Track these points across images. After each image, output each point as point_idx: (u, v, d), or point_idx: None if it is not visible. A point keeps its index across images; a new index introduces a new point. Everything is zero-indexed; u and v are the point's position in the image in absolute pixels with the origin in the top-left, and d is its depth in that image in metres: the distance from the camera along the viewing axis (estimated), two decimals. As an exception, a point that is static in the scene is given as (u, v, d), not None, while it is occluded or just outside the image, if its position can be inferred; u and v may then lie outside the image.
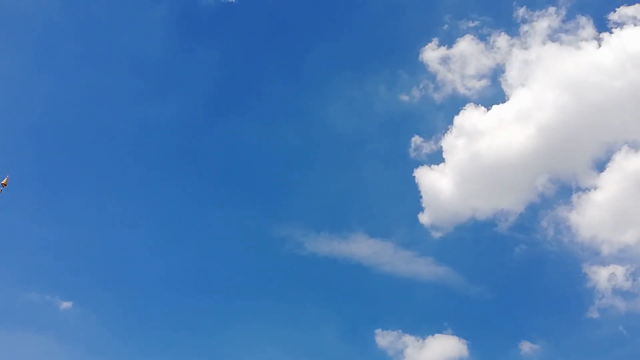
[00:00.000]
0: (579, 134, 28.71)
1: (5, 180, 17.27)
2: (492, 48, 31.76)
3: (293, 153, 32.07)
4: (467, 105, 30.88)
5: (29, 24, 31.81)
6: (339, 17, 34.09)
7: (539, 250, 28.27)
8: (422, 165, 30.57)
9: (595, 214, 27.37)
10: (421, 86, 31.92)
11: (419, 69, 32.17)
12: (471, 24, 32.26)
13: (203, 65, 33.31)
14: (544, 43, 31.05)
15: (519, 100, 30.19)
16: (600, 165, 28.17)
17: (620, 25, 29.98)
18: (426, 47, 32.24)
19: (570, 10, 31.30)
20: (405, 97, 32.13)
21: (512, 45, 31.52)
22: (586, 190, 28.09)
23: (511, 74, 30.91)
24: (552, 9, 31.40)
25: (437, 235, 28.90)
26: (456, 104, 31.28)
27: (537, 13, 31.62)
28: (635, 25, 29.75)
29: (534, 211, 28.45)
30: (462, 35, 32.11)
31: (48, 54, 31.82)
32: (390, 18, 34.05)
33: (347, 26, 34.03)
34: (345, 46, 33.81)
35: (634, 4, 30.12)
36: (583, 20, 30.93)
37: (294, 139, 32.32)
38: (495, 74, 31.37)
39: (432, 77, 31.84)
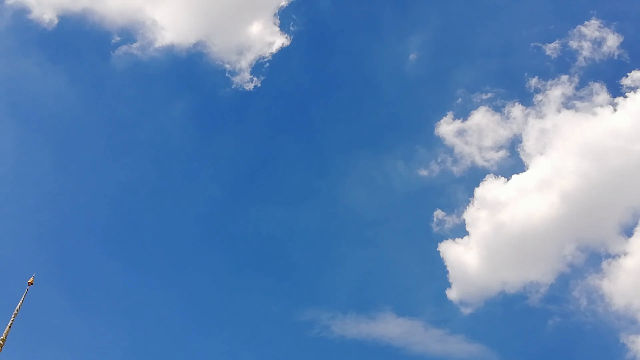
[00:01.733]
0: (603, 200, 28.44)
1: (31, 279, 17.52)
2: (508, 118, 31.98)
3: (315, 235, 32.01)
4: (487, 176, 30.84)
5: (51, 120, 32.91)
6: (353, 97, 34.79)
7: (573, 321, 27.34)
8: (446, 239, 30.21)
9: (627, 281, 26.64)
10: (439, 160, 32.00)
11: (436, 143, 32.39)
12: (485, 96, 32.66)
13: (224, 154, 33.93)
14: (559, 111, 31.25)
15: (539, 169, 30.15)
16: (628, 231, 27.68)
17: (633, 89, 30.25)
18: (441, 121, 32.61)
19: (582, 78, 31.64)
20: (424, 172, 32.16)
21: (527, 114, 31.72)
22: (616, 256, 27.47)
23: (529, 143, 30.96)
24: (564, 77, 31.78)
25: (466, 311, 28.14)
26: (476, 175, 31.22)
27: (549, 82, 31.98)
28: (648, 87, 29.97)
29: (564, 281, 27.77)
30: (476, 107, 32.48)
31: (71, 151, 32.58)
32: (403, 94, 34.78)
33: (361, 106, 34.70)
34: (361, 125, 34.35)
35: (645, 67, 30.45)
36: (596, 86, 31.20)
37: (315, 221, 32.33)
38: (513, 144, 31.40)
39: (450, 150, 31.95)
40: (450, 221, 30.73)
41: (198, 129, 34.49)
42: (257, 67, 33.80)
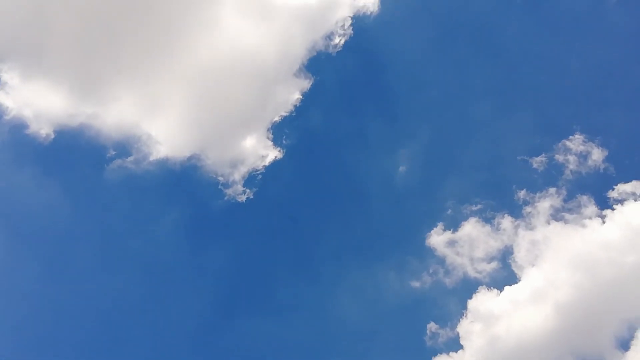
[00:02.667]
0: (598, 312, 28.10)
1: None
2: (498, 230, 32.18)
3: (304, 348, 31.07)
4: (480, 288, 30.63)
5: (43, 232, 33.01)
6: (344, 209, 35.07)
7: None
8: (440, 353, 29.45)
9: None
10: (431, 271, 31.86)
11: (427, 254, 32.35)
12: (474, 208, 32.99)
13: (214, 265, 33.72)
14: (548, 223, 31.54)
15: (531, 280, 29.99)
16: (625, 344, 27.22)
17: (620, 201, 30.74)
18: (432, 232, 32.78)
19: (570, 191, 32.17)
20: (416, 283, 31.89)
21: (517, 226, 31.98)
22: (614, 371, 26.74)
23: (520, 255, 31.01)
24: (552, 190, 32.28)
25: None
26: (468, 287, 30.97)
27: (537, 194, 32.45)
28: (635, 200, 30.51)
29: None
30: (466, 218, 32.78)
31: (62, 263, 32.44)
32: (394, 205, 35.02)
33: (352, 216, 34.87)
34: (351, 236, 34.35)
35: (630, 181, 31.08)
36: (584, 199, 31.66)
37: (304, 333, 31.57)
38: (504, 255, 31.41)
39: (441, 261, 31.91)
40: (444, 334, 30.18)
41: (189, 240, 34.51)
42: (250, 180, 34.55)
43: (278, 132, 35.88)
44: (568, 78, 35.24)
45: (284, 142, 35.77)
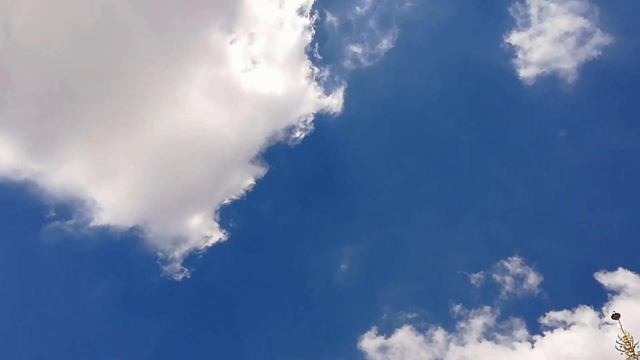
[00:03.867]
0: None
1: None
2: (430, 341, 32.01)
3: None
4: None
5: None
6: (281, 300, 34.73)
7: None
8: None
9: None
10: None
11: (357, 357, 31.81)
12: (409, 316, 32.94)
13: (142, 340, 32.60)
14: (479, 341, 31.56)
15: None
16: None
17: (550, 329, 31.04)
18: (365, 335, 32.41)
19: (504, 311, 32.45)
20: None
21: (450, 340, 31.90)
22: None
23: (449, 370, 30.77)
24: (487, 308, 32.52)
25: None
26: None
27: (472, 311, 32.65)
28: (565, 329, 30.88)
29: None
30: (400, 325, 32.62)
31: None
32: (330, 303, 34.77)
33: (288, 309, 34.48)
34: (284, 329, 33.75)
35: (562, 309, 31.61)
36: (516, 321, 31.92)
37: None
38: (434, 369, 31.12)
39: (371, 366, 31.37)
40: None
41: (120, 313, 33.44)
42: (190, 259, 34.08)
43: (226, 214, 35.86)
44: (513, 202, 36.38)
45: (230, 225, 35.67)
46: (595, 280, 31.28)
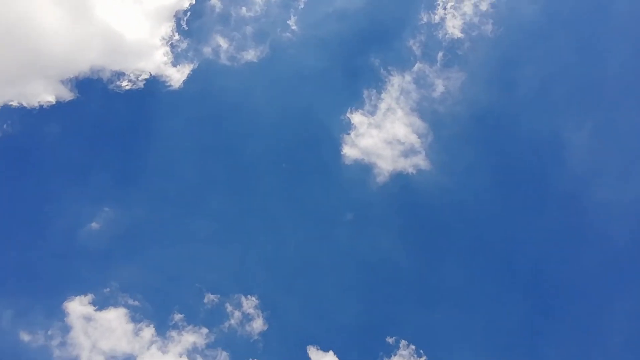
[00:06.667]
0: None
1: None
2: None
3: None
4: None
5: None
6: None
7: None
8: None
9: None
10: None
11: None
12: (130, 301, 32.13)
13: None
14: (180, 355, 31.56)
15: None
16: None
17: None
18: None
19: (217, 342, 32.92)
20: None
21: (154, 342, 31.65)
22: None
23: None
24: (205, 330, 32.80)
25: None
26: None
27: (191, 326, 32.81)
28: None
29: None
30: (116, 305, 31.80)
31: None
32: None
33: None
34: None
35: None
36: (222, 355, 32.51)
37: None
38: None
39: None
40: None
41: None
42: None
43: (6, 114, 32.89)
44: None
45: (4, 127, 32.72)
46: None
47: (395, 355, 33.03)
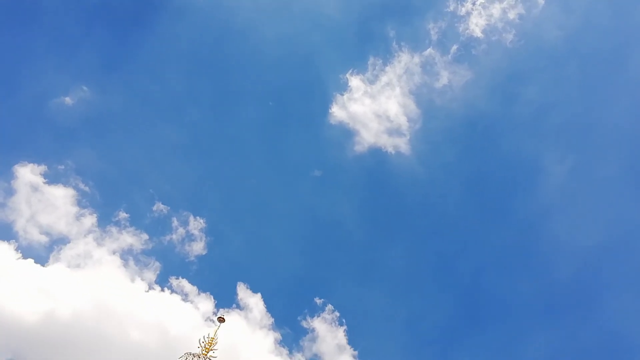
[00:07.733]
0: None
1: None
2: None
3: None
4: None
5: None
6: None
7: None
8: None
9: None
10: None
11: None
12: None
13: None
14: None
15: None
16: None
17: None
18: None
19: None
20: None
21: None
22: None
23: None
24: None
25: None
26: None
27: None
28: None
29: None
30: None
31: None
32: None
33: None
34: None
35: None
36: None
37: None
38: None
39: None
40: None
41: None
42: None
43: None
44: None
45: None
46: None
47: (318, 316, 33.68)
